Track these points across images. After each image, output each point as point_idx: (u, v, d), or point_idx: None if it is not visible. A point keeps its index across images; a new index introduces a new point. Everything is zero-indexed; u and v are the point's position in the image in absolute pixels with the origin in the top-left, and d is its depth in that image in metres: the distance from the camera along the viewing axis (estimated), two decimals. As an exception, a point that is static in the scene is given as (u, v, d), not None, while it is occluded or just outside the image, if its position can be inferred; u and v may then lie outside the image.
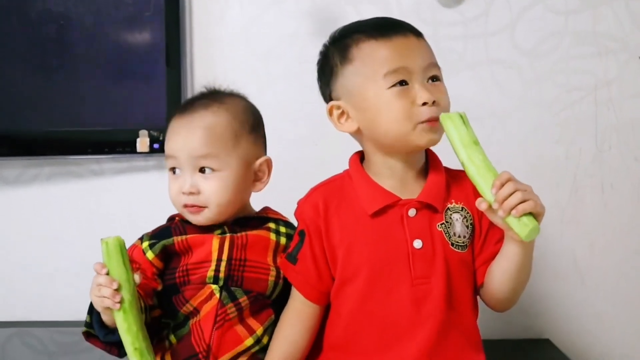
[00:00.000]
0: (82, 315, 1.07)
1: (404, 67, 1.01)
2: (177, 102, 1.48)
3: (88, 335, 1.07)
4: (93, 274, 1.00)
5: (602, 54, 1.55)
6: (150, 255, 1.09)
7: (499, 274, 1.03)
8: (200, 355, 1.06)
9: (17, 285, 1.63)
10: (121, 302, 0.97)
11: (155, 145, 1.51)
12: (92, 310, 1.04)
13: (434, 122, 1.00)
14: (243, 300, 1.08)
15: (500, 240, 1.04)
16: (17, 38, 1.52)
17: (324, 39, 1.11)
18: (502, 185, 0.93)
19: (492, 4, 1.55)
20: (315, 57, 1.12)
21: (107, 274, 0.98)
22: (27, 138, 1.55)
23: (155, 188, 1.48)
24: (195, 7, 1.56)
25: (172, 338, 1.09)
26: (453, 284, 1.04)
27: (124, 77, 1.54)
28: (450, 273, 1.04)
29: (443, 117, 0.99)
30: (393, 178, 1.07)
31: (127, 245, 1.03)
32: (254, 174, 1.13)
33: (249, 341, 1.08)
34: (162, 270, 1.10)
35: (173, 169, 1.11)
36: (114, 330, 1.00)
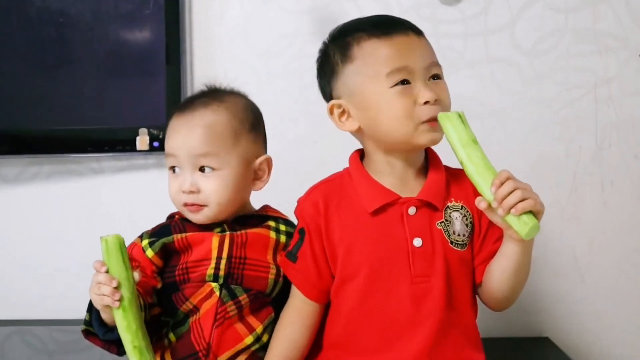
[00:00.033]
0: (82, 314, 1.07)
1: (406, 66, 1.01)
2: (176, 101, 1.48)
3: (87, 334, 1.07)
4: (93, 272, 1.00)
5: (602, 52, 1.55)
6: (150, 253, 1.09)
7: (498, 272, 1.03)
8: (200, 354, 1.06)
9: (17, 283, 1.63)
10: (120, 300, 0.97)
11: (155, 144, 1.51)
12: (91, 308, 1.04)
13: (435, 122, 1.00)
14: (243, 298, 1.08)
15: (499, 239, 1.04)
16: (16, 36, 1.52)
17: (324, 37, 1.10)
18: (502, 183, 0.93)
19: (492, 2, 1.55)
20: (315, 55, 1.11)
21: (107, 271, 0.98)
22: (27, 136, 1.55)
23: (155, 186, 1.48)
24: (195, 5, 1.55)
25: (172, 336, 1.09)
26: (453, 282, 1.04)
27: (124, 75, 1.54)
28: (450, 271, 1.04)
29: (441, 116, 0.99)
30: (393, 176, 1.07)
31: (127, 243, 1.03)
32: (254, 172, 1.13)
33: (249, 339, 1.08)
34: (162, 268, 1.10)
35: (173, 168, 1.11)
36: (113, 329, 1.00)
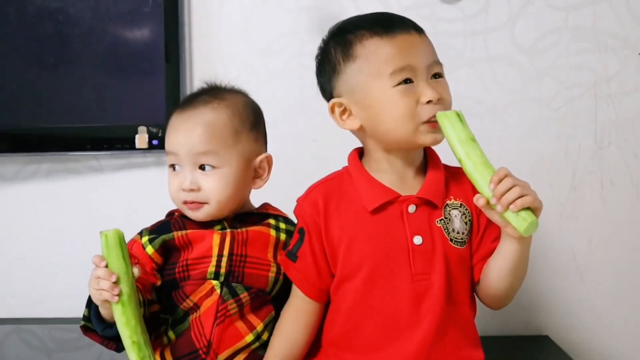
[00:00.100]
0: (81, 313, 1.07)
1: (409, 65, 1.01)
2: (176, 98, 1.48)
3: (86, 329, 1.07)
4: (92, 270, 0.99)
5: (601, 51, 1.55)
6: (149, 250, 1.09)
7: (496, 271, 1.03)
8: (200, 351, 1.06)
9: (16, 281, 1.63)
10: (120, 295, 0.97)
11: (154, 142, 1.51)
12: (90, 303, 1.03)
13: (436, 123, 1.00)
14: (244, 296, 1.08)
15: (497, 238, 1.04)
16: (15, 34, 1.52)
17: (324, 34, 1.10)
18: (500, 180, 0.93)
19: (492, 0, 1.55)
20: (314, 52, 1.11)
21: (106, 266, 0.98)
22: (25, 134, 1.55)
23: (154, 184, 1.48)
24: (194, 2, 1.55)
25: (171, 334, 1.09)
26: (452, 280, 1.04)
27: (123, 73, 1.54)
28: (450, 269, 1.04)
29: (439, 115, 0.99)
30: (393, 174, 1.07)
31: (127, 240, 1.03)
32: (254, 170, 1.13)
33: (250, 337, 1.08)
34: (161, 266, 1.10)
35: (173, 166, 1.11)
36: (111, 325, 1.00)
